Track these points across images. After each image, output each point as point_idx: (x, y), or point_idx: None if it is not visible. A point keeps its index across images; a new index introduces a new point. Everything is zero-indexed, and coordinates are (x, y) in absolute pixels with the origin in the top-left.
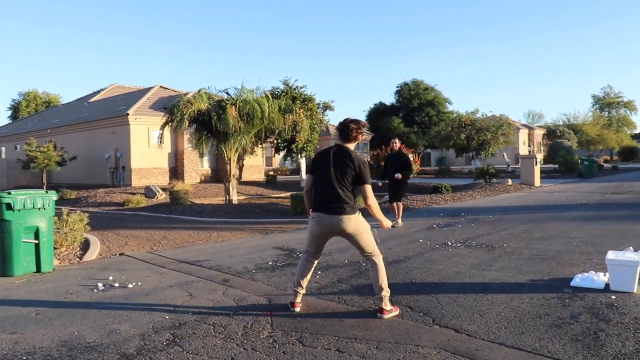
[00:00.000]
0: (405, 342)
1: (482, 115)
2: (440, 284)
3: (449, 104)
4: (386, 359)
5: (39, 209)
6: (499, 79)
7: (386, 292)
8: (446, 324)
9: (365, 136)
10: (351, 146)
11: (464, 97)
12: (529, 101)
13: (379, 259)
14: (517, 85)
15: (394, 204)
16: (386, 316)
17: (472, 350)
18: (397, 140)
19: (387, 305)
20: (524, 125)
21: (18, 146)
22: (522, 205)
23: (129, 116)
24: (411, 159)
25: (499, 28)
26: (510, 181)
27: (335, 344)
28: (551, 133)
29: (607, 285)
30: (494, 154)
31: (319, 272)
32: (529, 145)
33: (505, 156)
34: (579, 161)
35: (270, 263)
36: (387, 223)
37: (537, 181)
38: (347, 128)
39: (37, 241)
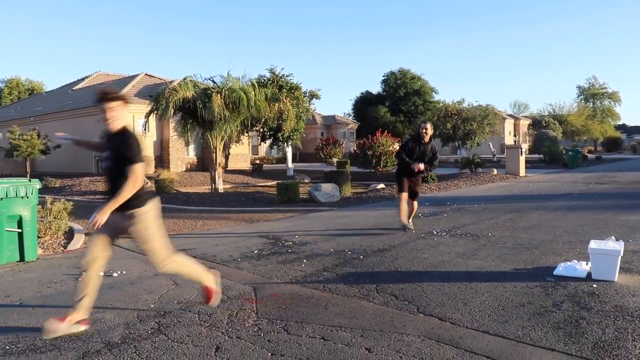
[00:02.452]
0: (389, 330)
1: (469, 105)
2: (425, 273)
3: (436, 93)
4: (371, 346)
5: (22, 197)
6: (485, 69)
7: None
8: (430, 312)
9: (352, 125)
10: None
11: (451, 87)
12: (515, 91)
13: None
14: (504, 75)
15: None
16: None
17: (455, 338)
18: (427, 126)
19: None
20: (510, 116)
21: (1, 134)
22: (507, 195)
23: None
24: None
25: (486, 18)
26: (495, 171)
27: (320, 332)
28: (536, 123)
29: (589, 274)
30: (480, 144)
31: (305, 261)
32: (515, 135)
33: (491, 146)
34: (564, 151)
35: (255, 251)
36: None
37: (522, 171)
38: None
39: (20, 230)
